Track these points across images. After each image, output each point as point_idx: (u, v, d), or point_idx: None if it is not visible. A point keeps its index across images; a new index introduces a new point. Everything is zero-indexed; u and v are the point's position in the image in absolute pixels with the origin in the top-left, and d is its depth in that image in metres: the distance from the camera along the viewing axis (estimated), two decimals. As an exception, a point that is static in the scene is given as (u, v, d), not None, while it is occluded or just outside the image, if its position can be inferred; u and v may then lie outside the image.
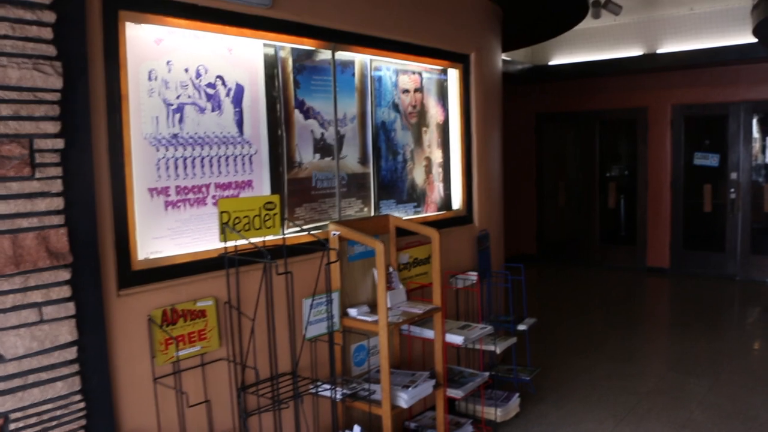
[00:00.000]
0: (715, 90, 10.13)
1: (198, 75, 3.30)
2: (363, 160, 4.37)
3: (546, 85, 11.50)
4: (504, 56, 10.10)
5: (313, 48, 3.95)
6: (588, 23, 9.07)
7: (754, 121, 10.11)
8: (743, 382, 5.70)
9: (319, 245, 3.58)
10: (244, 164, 3.54)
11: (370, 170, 4.42)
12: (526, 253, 11.87)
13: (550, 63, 10.95)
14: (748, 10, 7.23)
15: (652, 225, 10.77)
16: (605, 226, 11.55)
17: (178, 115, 3.21)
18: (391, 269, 4.11)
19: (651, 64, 10.06)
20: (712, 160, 10.30)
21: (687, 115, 10.45)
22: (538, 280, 10.60)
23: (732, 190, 10.11)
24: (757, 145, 10.14)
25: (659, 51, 9.95)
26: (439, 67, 5.07)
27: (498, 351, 4.69)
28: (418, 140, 4.89)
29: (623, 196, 11.39)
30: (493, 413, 4.68)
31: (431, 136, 5.03)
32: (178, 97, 3.21)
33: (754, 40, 7.91)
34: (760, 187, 10.12)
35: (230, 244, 3.22)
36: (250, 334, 3.32)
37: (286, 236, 3.64)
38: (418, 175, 4.90)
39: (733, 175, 10.10)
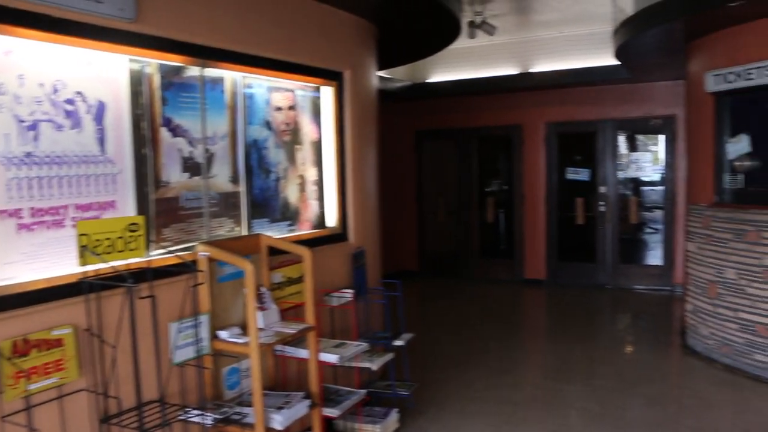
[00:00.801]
0: (584, 108, 10.63)
1: (55, 90, 3.15)
2: (234, 179, 4.29)
3: (425, 102, 11.70)
4: (383, 74, 10.21)
5: (182, 64, 3.85)
6: (465, 42, 9.31)
7: (620, 138, 10.65)
8: (613, 385, 5.96)
9: (186, 267, 3.47)
10: (106, 184, 3.40)
11: (242, 189, 4.35)
12: (408, 269, 12.00)
13: (429, 81, 11.16)
14: (611, 34, 7.62)
15: (528, 238, 11.14)
16: (485, 240, 11.86)
17: (32, 133, 3.05)
18: (263, 289, 4.05)
19: (525, 82, 10.44)
20: (583, 175, 10.78)
21: (559, 132, 10.90)
22: (420, 295, 10.76)
23: (602, 203, 10.61)
24: (623, 160, 10.67)
25: (532, 70, 10.34)
26: (313, 85, 5.06)
27: (374, 368, 4.69)
28: (292, 158, 4.85)
29: (502, 210, 11.72)
30: (371, 430, 4.67)
31: (305, 153, 5.01)
32: (32, 114, 3.04)
33: (618, 62, 8.34)
34: (627, 200, 10.66)
35: (90, 268, 3.08)
36: (112, 362, 3.18)
37: (151, 258, 3.52)
38: (292, 194, 4.86)
39: (603, 189, 10.61)
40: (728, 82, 6.33)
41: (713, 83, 6.53)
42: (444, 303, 10.04)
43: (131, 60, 3.54)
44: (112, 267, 3.10)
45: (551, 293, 10.58)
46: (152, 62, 3.67)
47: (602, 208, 10.60)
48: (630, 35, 6.75)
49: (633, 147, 11.03)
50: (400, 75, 10.85)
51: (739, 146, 6.53)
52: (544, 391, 5.94)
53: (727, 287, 6.28)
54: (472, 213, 11.69)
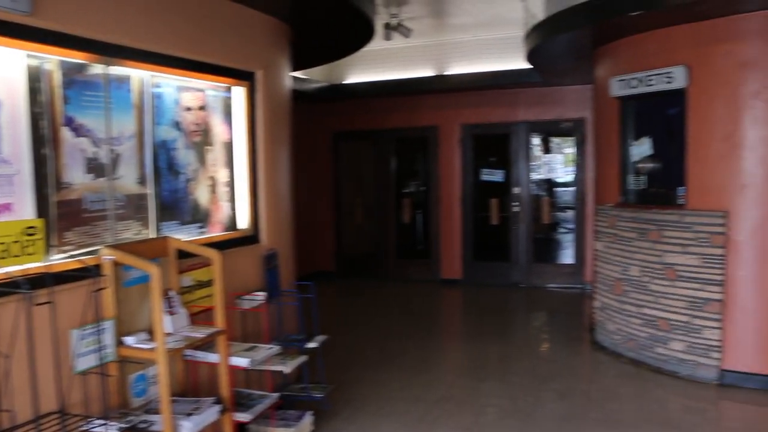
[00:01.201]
0: (499, 110, 10.83)
1: (-56, 88, 2.99)
2: (142, 180, 4.17)
3: (342, 103, 11.68)
4: (300, 74, 10.16)
5: (84, 61, 3.71)
6: (381, 44, 9.37)
7: (533, 140, 10.90)
8: (525, 382, 6.08)
9: (89, 272, 3.35)
10: (2, 186, 3.24)
11: (150, 191, 4.23)
12: (325, 270, 11.97)
13: (346, 82, 11.16)
14: (523, 39, 7.77)
15: (444, 238, 11.27)
16: (402, 240, 11.94)
17: None
18: (172, 293, 3.95)
19: (440, 84, 10.58)
20: (498, 176, 11.01)
21: (474, 134, 11.07)
22: (338, 296, 10.75)
23: (515, 203, 10.83)
24: (537, 162, 10.94)
25: (448, 72, 10.47)
26: (225, 85, 4.97)
27: (287, 371, 4.64)
28: (203, 159, 4.76)
29: (420, 211, 11.81)
30: (285, 434, 4.63)
31: (216, 154, 4.92)
32: None
33: (530, 65, 8.53)
34: (540, 201, 10.92)
35: (-18, 274, 2.93)
36: (5, 373, 3.03)
37: (51, 263, 3.38)
38: (203, 195, 4.76)
39: (516, 190, 10.84)
40: (631, 87, 6.54)
41: (618, 88, 6.73)
42: (361, 304, 10.04)
43: (29, 56, 3.38)
44: (6, 273, 2.95)
45: (467, 292, 10.72)
46: (52, 58, 3.52)
47: (516, 209, 10.82)
48: (540, 40, 6.91)
49: (547, 148, 11.32)
50: (316, 76, 10.81)
51: (642, 149, 6.75)
52: (459, 390, 6.01)
53: (632, 284, 6.51)
54: (389, 214, 11.74)
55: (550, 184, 11.33)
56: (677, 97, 6.16)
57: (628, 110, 6.92)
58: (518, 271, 10.90)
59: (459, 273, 11.22)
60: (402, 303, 10.13)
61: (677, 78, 6.05)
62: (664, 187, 6.55)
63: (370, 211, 11.91)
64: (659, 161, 6.69)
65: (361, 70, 10.97)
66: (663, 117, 6.73)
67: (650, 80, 6.30)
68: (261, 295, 4.78)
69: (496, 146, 11.14)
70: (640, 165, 6.80)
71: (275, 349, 4.31)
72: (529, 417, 5.26)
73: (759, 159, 5.68)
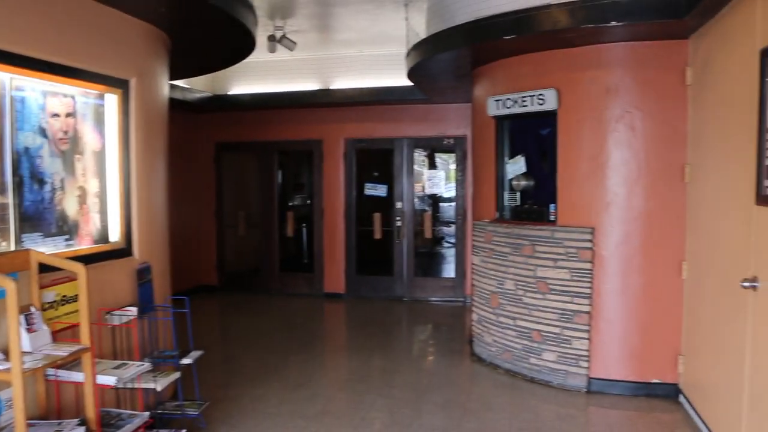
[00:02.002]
0: (383, 126, 10.93)
1: None
2: (1, 190, 3.92)
3: (226, 114, 11.49)
4: (182, 83, 9.94)
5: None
6: (266, 56, 9.30)
7: (416, 155, 11.06)
8: (404, 395, 6.13)
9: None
10: None
11: (9, 200, 3.98)
12: (208, 284, 11.74)
13: (231, 92, 11.02)
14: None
15: (328, 252, 11.25)
16: (286, 254, 11.88)
17: None
18: (33, 309, 3.74)
19: (325, 98, 10.61)
20: (381, 191, 11.06)
21: (358, 148, 11.13)
22: (219, 311, 10.55)
23: (398, 218, 10.95)
24: (421, 177, 11.10)
25: (332, 87, 10.51)
26: (96, 92, 4.77)
27: (159, 388, 4.48)
28: (71, 169, 4.53)
29: (305, 225, 11.74)
30: (156, 454, 4.47)
31: (87, 164, 4.70)
32: None
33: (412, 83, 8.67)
34: (423, 215, 11.08)
35: None
36: None
37: None
38: (71, 206, 4.53)
39: (399, 205, 10.96)
40: (507, 107, 6.73)
41: (494, 108, 6.91)
42: (243, 318, 9.87)
43: None
44: None
45: (350, 306, 10.73)
46: None
47: (398, 223, 10.94)
48: (420, 58, 7.04)
49: (432, 164, 11.50)
50: (200, 85, 10.61)
51: (516, 166, 6.98)
52: (339, 404, 5.99)
53: (507, 297, 6.71)
54: (273, 227, 11.62)
55: (434, 199, 11.51)
56: (549, 118, 6.40)
57: (503, 129, 7.13)
58: (401, 284, 11.01)
59: (342, 287, 11.22)
60: (285, 317, 10.02)
61: (548, 100, 6.28)
62: (537, 203, 6.78)
63: (254, 224, 11.75)
64: (533, 179, 6.95)
65: (247, 81, 10.85)
66: (536, 137, 6.98)
67: (524, 101, 6.50)
68: (132, 310, 4.60)
69: (379, 161, 11.26)
70: (515, 182, 7.02)
71: (146, 366, 4.15)
72: (407, 429, 5.29)
73: (622, 178, 5.98)
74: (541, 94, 6.33)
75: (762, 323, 3.84)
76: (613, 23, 5.32)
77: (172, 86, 9.37)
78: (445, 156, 11.61)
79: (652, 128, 5.88)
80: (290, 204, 11.95)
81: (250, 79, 10.80)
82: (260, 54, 8.94)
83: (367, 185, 11.14)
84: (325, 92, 10.55)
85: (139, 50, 5.15)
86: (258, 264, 11.77)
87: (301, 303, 10.90)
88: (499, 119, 7.03)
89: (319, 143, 11.21)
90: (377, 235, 11.04)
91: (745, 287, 3.96)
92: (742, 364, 4.14)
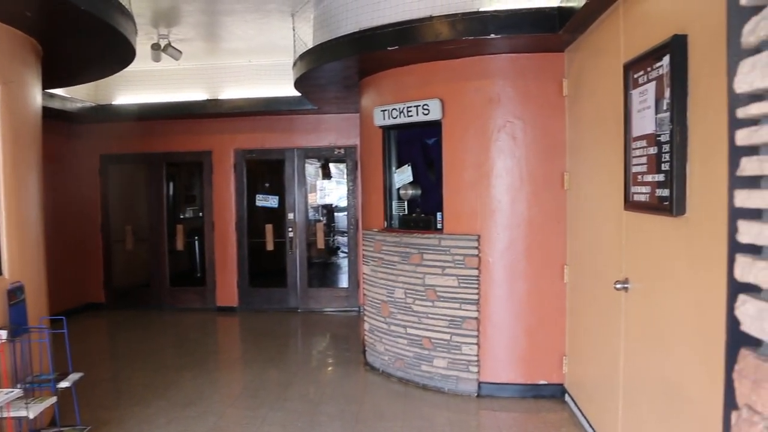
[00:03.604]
0: (273, 136, 10.83)
1: None
2: None
3: (112, 124, 11.04)
4: (62, 92, 9.54)
5: None
6: (153, 65, 9.05)
7: (308, 166, 11.01)
8: (297, 407, 6.09)
9: None
10: None
11: None
12: (95, 301, 11.30)
13: (115, 102, 10.66)
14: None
15: (220, 266, 11.05)
16: (177, 268, 11.60)
17: None
18: None
19: (214, 109, 10.42)
20: (272, 202, 10.97)
21: (249, 159, 10.98)
22: (108, 329, 10.20)
23: (290, 228, 10.88)
24: (312, 187, 11.06)
25: (221, 97, 10.35)
26: (-41, 103, 4.51)
27: (31, 415, 4.25)
28: (-67, 184, 4.27)
29: (197, 237, 11.48)
30: (32, 484, 4.24)
31: (-49, 179, 4.43)
32: None
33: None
34: (315, 226, 11.07)
35: None
36: None
37: None
38: (-67, 225, 4.26)
39: (291, 215, 10.89)
40: (393, 117, 6.79)
41: (381, 118, 6.96)
42: (132, 335, 9.54)
43: None
44: None
45: (244, 319, 10.57)
46: None
47: (291, 234, 10.87)
48: (307, 68, 7.03)
49: (326, 174, 11.45)
50: (82, 95, 10.19)
51: (403, 176, 7.07)
52: (230, 420, 5.87)
53: (397, 306, 6.79)
54: (162, 241, 11.29)
55: (329, 209, 11.49)
56: (435, 128, 6.51)
57: (390, 139, 7.20)
58: (295, 296, 10.94)
59: (235, 300, 11.04)
60: (176, 333, 9.79)
61: (433, 110, 6.38)
62: (424, 212, 6.89)
63: (142, 238, 11.40)
64: (420, 188, 7.08)
65: (132, 90, 10.51)
66: (423, 146, 7.11)
67: (410, 111, 6.58)
68: (0, 334, 4.36)
69: (271, 172, 11.23)
70: (403, 191, 7.12)
71: (15, 392, 3.94)
72: (299, 442, 5.26)
73: (505, 186, 6.16)
74: (426, 104, 6.43)
75: (633, 323, 4.04)
76: (493, 35, 5.50)
77: (50, 95, 9.02)
78: (341, 166, 11.53)
79: (533, 137, 6.07)
80: (182, 216, 11.69)
81: (136, 88, 10.48)
82: (146, 63, 8.70)
83: (259, 196, 11.04)
84: (214, 102, 10.37)
85: (5, 58, 4.88)
86: (148, 279, 11.40)
87: (193, 318, 10.66)
88: (386, 129, 7.11)
89: (209, 154, 10.99)
90: (270, 247, 10.93)
91: (617, 289, 4.16)
92: (617, 363, 4.34)
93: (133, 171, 11.66)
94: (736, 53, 1.64)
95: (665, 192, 3.30)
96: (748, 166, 1.60)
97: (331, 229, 11.27)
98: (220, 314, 10.92)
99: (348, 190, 10.83)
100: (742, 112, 1.62)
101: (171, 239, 11.33)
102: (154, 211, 11.32)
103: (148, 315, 10.85)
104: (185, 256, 11.59)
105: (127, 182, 11.78)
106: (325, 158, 11.27)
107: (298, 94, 9.03)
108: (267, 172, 11.29)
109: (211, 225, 11.04)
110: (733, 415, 1.60)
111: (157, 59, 8.72)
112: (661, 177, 3.37)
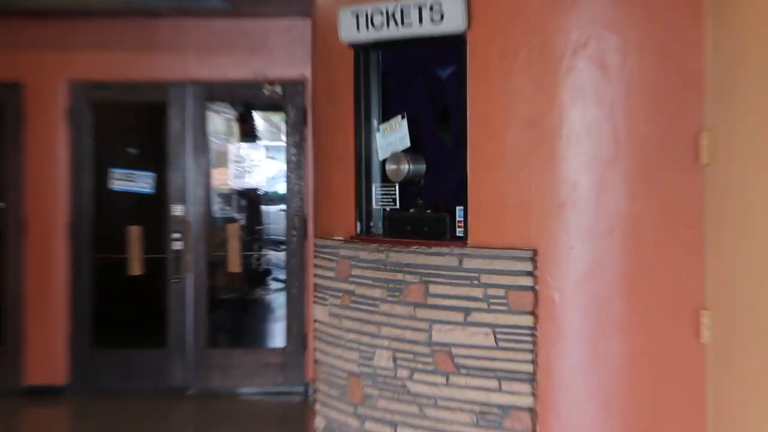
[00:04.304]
0: (146, 58, 7.13)
1: None
2: None
3: None
4: None
5: None
6: None
7: (212, 117, 7.30)
8: None
9: None
10: None
11: None
12: None
13: None
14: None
15: (33, 306, 6.93)
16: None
17: None
18: None
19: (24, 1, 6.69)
20: (143, 183, 7.09)
21: (98, 101, 7.12)
22: None
23: (177, 234, 6.94)
24: (217, 159, 7.27)
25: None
26: None
27: None
28: None
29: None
30: None
31: None
32: None
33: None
34: (227, 230, 7.14)
35: None
36: None
37: None
38: None
39: (179, 210, 6.91)
40: (376, 27, 4.49)
41: (352, 27, 4.63)
42: None
43: None
44: None
45: (78, 413, 6.68)
46: None
47: (178, 245, 6.84)
48: None
49: (246, 133, 8.03)
50: None
51: (394, 138, 4.65)
52: None
53: (378, 383, 4.59)
54: None
55: (250, 199, 8.04)
56: (453, 48, 4.25)
57: (370, 68, 4.88)
58: (183, 364, 6.89)
59: (62, 373, 6.84)
60: None
61: (450, 13, 4.03)
62: (431, 206, 4.57)
63: None
64: (423, 161, 4.62)
65: None
66: (429, 83, 4.78)
67: (407, 15, 4.26)
68: None
69: (141, 127, 7.80)
70: (392, 167, 4.57)
71: None
72: None
73: (586, 159, 3.90)
74: (437, 3, 4.15)
75: None
76: None
77: None
78: (276, 118, 8.03)
79: (640, 67, 3.78)
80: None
81: None
82: None
83: (116, 172, 7.04)
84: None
85: None
86: None
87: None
88: (362, 49, 4.73)
89: (16, 89, 6.87)
90: (135, 269, 6.87)
91: None
92: None
93: None
94: None
95: None
96: None
97: (254, 236, 7.91)
98: (31, 402, 6.77)
99: (289, 163, 7.06)
100: None
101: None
102: None
103: None
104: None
105: None
106: (246, 103, 7.65)
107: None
108: (134, 127, 7.68)
109: (21, 226, 6.91)
110: None
111: None
112: None
